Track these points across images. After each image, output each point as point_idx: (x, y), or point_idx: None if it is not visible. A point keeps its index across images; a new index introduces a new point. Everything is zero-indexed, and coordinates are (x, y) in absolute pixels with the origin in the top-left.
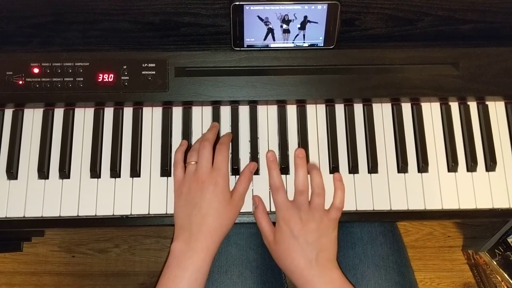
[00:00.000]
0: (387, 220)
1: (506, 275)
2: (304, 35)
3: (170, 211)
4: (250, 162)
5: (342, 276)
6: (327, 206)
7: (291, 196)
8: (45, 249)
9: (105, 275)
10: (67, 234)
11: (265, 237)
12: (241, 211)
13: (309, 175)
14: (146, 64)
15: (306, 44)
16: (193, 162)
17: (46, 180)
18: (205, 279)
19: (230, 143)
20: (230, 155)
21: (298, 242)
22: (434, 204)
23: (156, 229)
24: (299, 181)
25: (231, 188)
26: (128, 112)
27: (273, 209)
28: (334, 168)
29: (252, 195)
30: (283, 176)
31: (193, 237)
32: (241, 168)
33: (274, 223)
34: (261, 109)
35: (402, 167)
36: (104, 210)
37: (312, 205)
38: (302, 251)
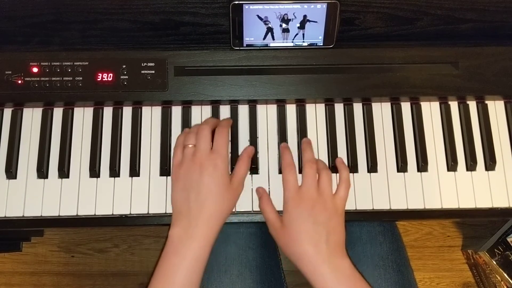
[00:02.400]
0: (387, 220)
1: (505, 274)
2: (303, 34)
3: (170, 210)
4: (247, 146)
5: (352, 266)
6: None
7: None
8: (44, 249)
9: (105, 275)
10: (67, 234)
11: (272, 224)
12: (240, 210)
13: None
14: (145, 64)
15: (305, 44)
16: (191, 145)
17: (45, 180)
18: (203, 267)
19: (230, 130)
20: (229, 155)
21: (307, 224)
22: (433, 203)
23: (156, 229)
24: (307, 155)
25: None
26: (127, 112)
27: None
28: (333, 167)
29: (256, 188)
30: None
31: (192, 223)
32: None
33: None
34: (260, 109)
35: (402, 166)
36: (104, 209)
37: (320, 184)
38: (312, 233)
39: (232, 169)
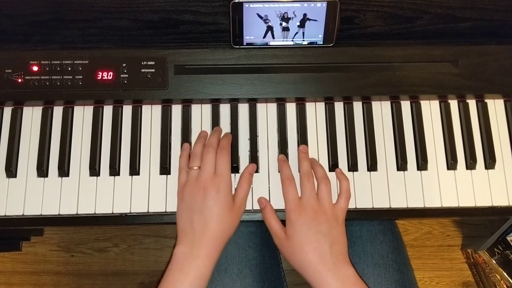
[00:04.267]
0: (387, 218)
1: (505, 273)
2: (303, 33)
3: (170, 209)
4: (249, 164)
5: (356, 273)
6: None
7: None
8: (44, 249)
9: (104, 275)
10: (66, 234)
11: (276, 235)
12: None
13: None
14: (145, 62)
15: (305, 42)
16: (195, 167)
17: (45, 178)
18: (206, 285)
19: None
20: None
21: (310, 234)
22: (433, 202)
23: (155, 228)
24: (304, 168)
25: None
26: (127, 110)
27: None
28: (333, 166)
29: (257, 198)
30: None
31: (195, 242)
32: (241, 166)
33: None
34: (260, 107)
35: (402, 165)
36: (103, 208)
37: (319, 195)
38: (315, 243)
39: (231, 168)
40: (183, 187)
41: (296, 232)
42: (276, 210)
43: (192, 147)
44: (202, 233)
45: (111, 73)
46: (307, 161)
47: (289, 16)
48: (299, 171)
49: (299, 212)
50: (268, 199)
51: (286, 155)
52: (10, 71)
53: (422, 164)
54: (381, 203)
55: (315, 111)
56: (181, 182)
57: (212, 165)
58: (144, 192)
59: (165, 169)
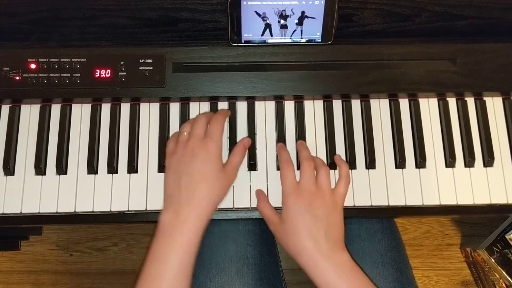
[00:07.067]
0: (385, 216)
1: (504, 272)
2: (301, 30)
3: None
4: (244, 137)
5: (351, 259)
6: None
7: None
8: (42, 248)
9: (103, 274)
10: (65, 233)
11: (270, 221)
12: (238, 206)
13: None
14: (143, 60)
15: (303, 40)
16: (185, 133)
17: (43, 176)
18: (196, 253)
19: (226, 120)
20: (227, 151)
21: (306, 218)
22: (432, 200)
23: (154, 227)
24: (304, 153)
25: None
26: (125, 108)
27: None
28: (331, 163)
29: (255, 190)
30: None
31: (183, 206)
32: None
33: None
34: (258, 105)
35: (400, 162)
36: (102, 206)
37: (318, 180)
38: (311, 227)
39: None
40: (172, 153)
41: (291, 216)
42: (275, 208)
43: None
44: (189, 196)
45: (109, 71)
46: (306, 149)
47: (287, 14)
48: (298, 158)
49: (296, 196)
50: (263, 191)
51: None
52: (7, 69)
53: (420, 162)
54: (380, 201)
55: (314, 109)
56: (169, 149)
57: (202, 128)
58: (142, 190)
59: (163, 167)
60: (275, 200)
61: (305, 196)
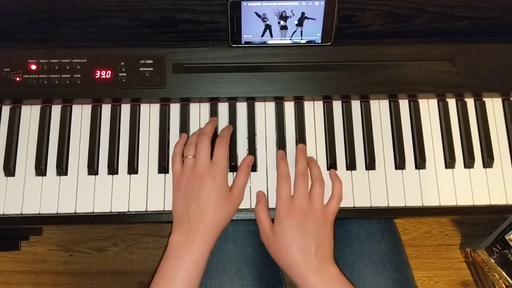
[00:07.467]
0: (385, 217)
1: (504, 273)
2: (301, 31)
3: (168, 208)
4: (246, 156)
5: (340, 272)
6: (325, 203)
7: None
8: (43, 248)
9: (103, 274)
10: (65, 233)
11: (263, 231)
12: (239, 207)
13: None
14: (143, 61)
15: (303, 41)
16: (190, 156)
17: (44, 177)
18: (202, 272)
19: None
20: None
21: (298, 235)
22: (431, 201)
23: (154, 227)
24: (300, 167)
25: (230, 183)
26: (125, 109)
27: (272, 205)
28: (331, 164)
29: (256, 191)
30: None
31: (192, 230)
32: (238, 165)
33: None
34: (258, 106)
35: (400, 163)
36: (102, 207)
37: (312, 196)
38: (302, 243)
39: (229, 167)
40: (179, 176)
41: (283, 231)
42: (272, 209)
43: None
44: (198, 221)
45: (109, 71)
46: (304, 160)
47: (287, 15)
48: (295, 167)
49: (289, 212)
50: (265, 195)
51: (284, 153)
52: (8, 69)
53: (420, 162)
54: (379, 202)
55: (313, 110)
56: (176, 171)
57: (207, 154)
58: (142, 191)
59: (163, 168)
60: (274, 200)
61: (298, 213)
